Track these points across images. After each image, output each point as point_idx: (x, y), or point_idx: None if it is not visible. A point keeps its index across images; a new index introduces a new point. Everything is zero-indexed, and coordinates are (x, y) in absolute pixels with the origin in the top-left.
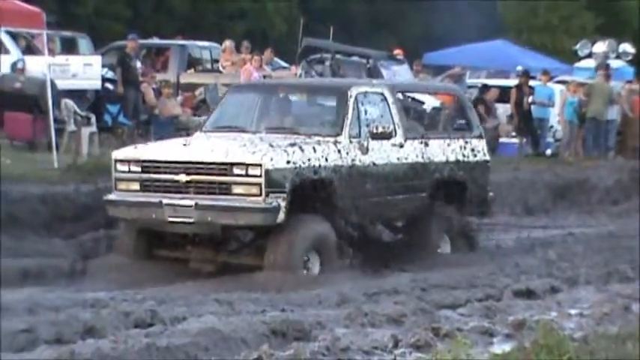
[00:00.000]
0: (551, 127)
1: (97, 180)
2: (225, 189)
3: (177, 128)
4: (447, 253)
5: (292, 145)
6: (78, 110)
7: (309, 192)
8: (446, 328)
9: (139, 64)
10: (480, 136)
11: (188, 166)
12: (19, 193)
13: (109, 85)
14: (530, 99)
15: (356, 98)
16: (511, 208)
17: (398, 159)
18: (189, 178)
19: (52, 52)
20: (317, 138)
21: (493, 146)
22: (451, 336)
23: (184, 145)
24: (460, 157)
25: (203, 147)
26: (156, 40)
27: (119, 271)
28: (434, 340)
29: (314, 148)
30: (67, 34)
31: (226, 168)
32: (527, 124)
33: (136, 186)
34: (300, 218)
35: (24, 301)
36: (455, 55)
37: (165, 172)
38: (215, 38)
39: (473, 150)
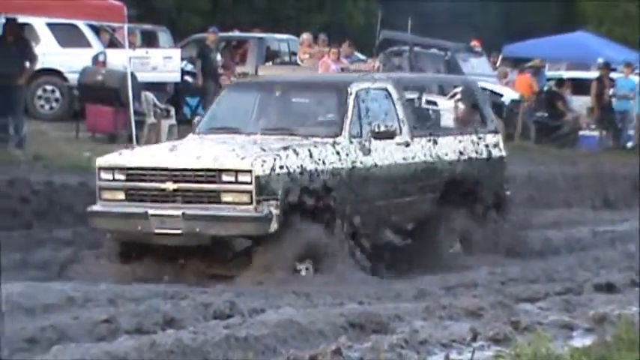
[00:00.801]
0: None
1: None
2: (214, 197)
3: None
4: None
5: (286, 148)
6: (158, 103)
7: (304, 198)
8: (525, 322)
9: (218, 57)
10: (494, 131)
11: (175, 174)
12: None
13: (189, 78)
14: (610, 91)
15: (357, 95)
16: (591, 201)
17: (404, 159)
18: (176, 186)
19: (132, 46)
20: (315, 139)
21: (573, 139)
22: (530, 330)
23: (171, 150)
24: (473, 155)
25: (191, 153)
26: (235, 33)
27: None
28: (513, 334)
29: (310, 151)
30: (148, 27)
31: (214, 175)
32: (608, 116)
33: (121, 195)
34: (294, 227)
35: (105, 292)
36: (534, 47)
37: (152, 181)
38: (293, 31)
39: (487, 146)
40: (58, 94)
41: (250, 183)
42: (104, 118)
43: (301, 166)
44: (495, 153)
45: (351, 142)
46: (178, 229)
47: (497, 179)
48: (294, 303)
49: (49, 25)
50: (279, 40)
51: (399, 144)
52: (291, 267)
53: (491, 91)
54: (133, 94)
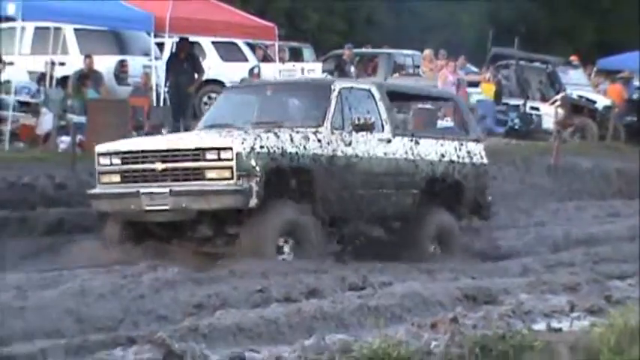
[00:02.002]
0: None
1: None
2: (198, 174)
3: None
4: (437, 252)
5: (267, 131)
6: None
7: (285, 178)
8: (616, 296)
9: (352, 69)
10: (476, 140)
11: (164, 154)
12: None
13: None
14: None
15: (340, 92)
16: None
17: (385, 154)
18: (164, 166)
19: (282, 60)
20: (299, 129)
21: None
22: (622, 303)
23: (162, 136)
24: (454, 158)
25: (179, 137)
26: (367, 49)
27: None
28: (606, 307)
29: (291, 136)
30: (294, 44)
31: (199, 154)
32: None
33: (117, 178)
34: (274, 203)
35: (259, 266)
36: (626, 60)
37: (144, 162)
38: (417, 47)
39: (469, 152)
40: None
41: (231, 159)
42: None
43: (282, 147)
44: (476, 160)
45: (332, 133)
46: (166, 205)
47: (477, 184)
48: (417, 277)
49: (213, 43)
50: (405, 55)
51: (380, 140)
52: (274, 243)
53: (587, 99)
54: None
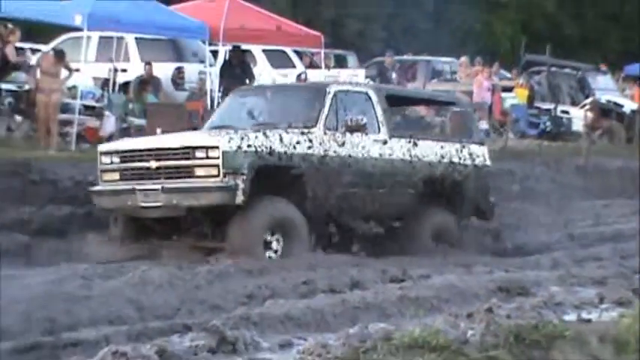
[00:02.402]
0: None
1: None
2: (188, 172)
3: (424, 126)
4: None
5: (257, 131)
6: None
7: (273, 177)
8: None
9: (394, 75)
10: (480, 143)
11: (158, 153)
12: None
13: None
14: None
15: (335, 95)
16: None
17: (380, 155)
18: (158, 164)
19: (327, 67)
20: (293, 130)
21: None
22: None
23: (158, 136)
24: (455, 159)
25: (173, 136)
26: (407, 57)
27: None
28: (634, 298)
29: (280, 136)
30: (339, 52)
31: (189, 152)
32: None
33: (117, 176)
34: (262, 200)
35: (305, 258)
36: None
37: (139, 160)
38: (454, 54)
39: (471, 154)
40: None
41: (218, 157)
42: None
43: (270, 147)
44: (479, 162)
45: (325, 134)
46: (159, 201)
47: (479, 185)
48: (454, 270)
49: (264, 50)
50: (443, 62)
51: (376, 141)
52: (261, 239)
53: (615, 103)
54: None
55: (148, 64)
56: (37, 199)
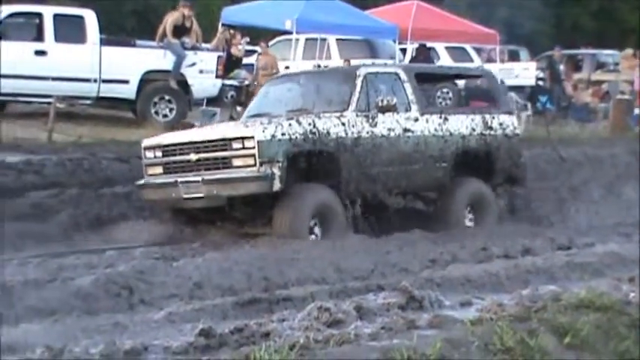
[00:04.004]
0: None
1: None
2: (226, 163)
3: (589, 111)
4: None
5: (290, 119)
6: (518, 100)
7: (309, 162)
8: None
9: (561, 67)
10: (509, 112)
11: (197, 146)
12: None
13: (540, 82)
14: None
15: (365, 77)
16: None
17: (412, 132)
18: (198, 156)
19: (502, 61)
20: (325, 114)
21: None
22: None
23: (198, 129)
24: (485, 131)
25: (212, 129)
26: (576, 51)
27: None
28: None
29: (313, 122)
30: (512, 47)
31: (227, 144)
32: None
33: (160, 169)
34: (301, 186)
35: (483, 229)
36: None
37: (181, 154)
38: (617, 47)
39: (501, 124)
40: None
41: (254, 147)
42: None
43: (304, 133)
44: (509, 130)
45: (357, 116)
46: (200, 192)
47: (511, 153)
48: (615, 239)
49: (446, 47)
50: (606, 55)
51: (407, 119)
52: (306, 224)
53: None
54: (500, 94)
55: (347, 60)
56: None
